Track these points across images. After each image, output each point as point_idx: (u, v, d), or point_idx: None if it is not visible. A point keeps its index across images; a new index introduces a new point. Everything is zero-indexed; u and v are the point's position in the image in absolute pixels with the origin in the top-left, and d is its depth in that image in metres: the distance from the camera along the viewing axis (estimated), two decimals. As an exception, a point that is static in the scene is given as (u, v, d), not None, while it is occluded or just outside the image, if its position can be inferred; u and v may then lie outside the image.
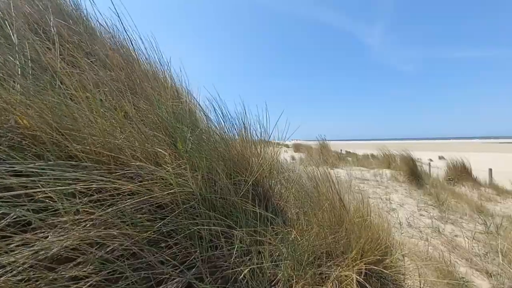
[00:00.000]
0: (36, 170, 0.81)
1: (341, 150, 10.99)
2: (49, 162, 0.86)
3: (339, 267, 1.21)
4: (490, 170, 6.30)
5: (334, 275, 1.17)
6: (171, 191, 1.01)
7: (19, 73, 1.02)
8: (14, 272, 0.68)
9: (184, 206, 1.05)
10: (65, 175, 0.84)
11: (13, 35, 1.14)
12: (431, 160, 14.63)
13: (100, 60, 1.59)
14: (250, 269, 1.03)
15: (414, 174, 5.29)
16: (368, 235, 1.37)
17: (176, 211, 1.03)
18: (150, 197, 0.98)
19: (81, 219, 0.82)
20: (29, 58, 1.12)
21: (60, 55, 1.27)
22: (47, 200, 0.80)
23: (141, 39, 1.89)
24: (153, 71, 2.02)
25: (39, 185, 0.80)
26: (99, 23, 1.98)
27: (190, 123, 1.55)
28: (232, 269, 1.04)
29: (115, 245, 0.84)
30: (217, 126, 1.77)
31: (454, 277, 1.82)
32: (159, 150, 1.14)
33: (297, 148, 11.14)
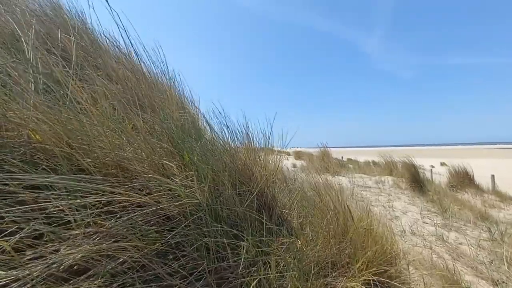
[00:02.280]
0: (49, 184, 0.83)
1: (342, 157, 10.99)
2: (61, 176, 0.88)
3: (344, 278, 1.22)
4: (493, 176, 6.28)
5: (340, 286, 1.17)
6: (178, 203, 1.03)
7: (32, 88, 1.05)
8: (28, 285, 0.69)
9: (192, 217, 1.06)
10: (77, 188, 0.86)
11: (27, 50, 1.18)
12: (433, 166, 14.59)
13: (107, 73, 1.63)
14: (257, 280, 1.03)
15: (417, 181, 5.27)
16: (373, 244, 1.37)
17: (184, 223, 1.04)
18: (159, 209, 0.99)
19: (92, 231, 0.84)
20: (40, 73, 1.16)
21: (68, 69, 1.30)
22: (59, 213, 0.82)
23: (145, 50, 1.93)
24: (158, 82, 2.05)
25: (51, 198, 0.82)
26: (104, 35, 2.03)
27: (194, 134, 1.57)
28: (239, 279, 1.04)
29: (125, 257, 0.85)
30: (221, 136, 1.78)
31: (459, 286, 1.80)
32: (166, 162, 1.16)
33: (298, 155, 11.14)
